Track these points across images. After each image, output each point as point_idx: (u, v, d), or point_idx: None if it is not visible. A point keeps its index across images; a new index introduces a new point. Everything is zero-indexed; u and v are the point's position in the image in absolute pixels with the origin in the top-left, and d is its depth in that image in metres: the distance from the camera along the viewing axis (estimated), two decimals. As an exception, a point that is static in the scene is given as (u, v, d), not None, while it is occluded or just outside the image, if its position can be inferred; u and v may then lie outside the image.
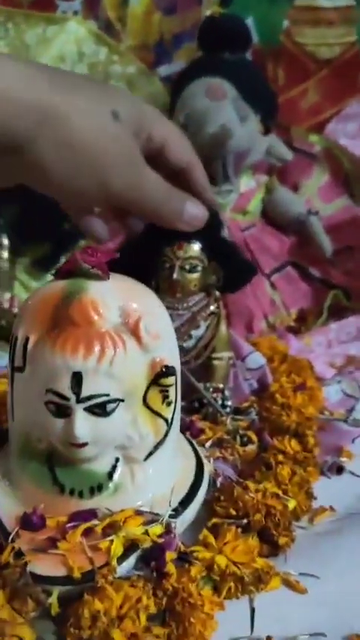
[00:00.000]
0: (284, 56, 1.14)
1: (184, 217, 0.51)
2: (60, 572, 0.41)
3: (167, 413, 0.47)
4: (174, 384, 0.47)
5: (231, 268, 0.69)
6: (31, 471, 0.46)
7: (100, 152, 0.43)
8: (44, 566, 0.41)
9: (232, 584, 0.44)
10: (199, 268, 0.68)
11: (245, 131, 0.99)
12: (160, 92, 1.15)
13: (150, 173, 0.48)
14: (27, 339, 0.44)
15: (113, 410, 0.44)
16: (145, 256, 0.67)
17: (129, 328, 0.44)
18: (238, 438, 0.64)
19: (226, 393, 0.70)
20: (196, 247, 0.68)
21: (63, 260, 1.05)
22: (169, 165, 0.51)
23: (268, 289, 1.04)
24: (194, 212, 0.52)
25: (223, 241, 0.70)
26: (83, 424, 0.43)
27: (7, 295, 0.99)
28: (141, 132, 0.46)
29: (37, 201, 0.97)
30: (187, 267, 0.68)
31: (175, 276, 0.67)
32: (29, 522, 0.44)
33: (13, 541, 0.43)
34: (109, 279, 0.46)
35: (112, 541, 0.42)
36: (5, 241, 0.99)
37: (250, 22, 1.12)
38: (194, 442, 0.56)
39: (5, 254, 1.00)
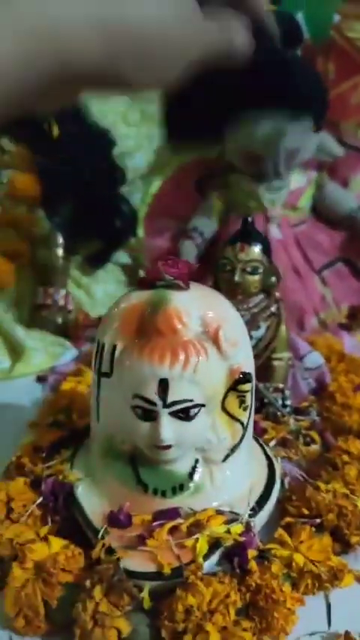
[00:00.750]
0: (334, 51, 1.14)
1: None
2: (150, 568, 0.44)
3: (243, 417, 0.49)
4: (250, 390, 0.49)
5: None
6: (116, 470, 0.49)
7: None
8: (135, 562, 0.44)
9: (309, 580, 0.46)
10: (260, 270, 0.69)
11: (297, 129, 0.99)
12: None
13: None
14: (114, 347, 0.47)
15: (196, 414, 0.46)
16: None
17: (209, 337, 0.46)
18: (300, 437, 0.66)
19: (287, 392, 0.72)
20: (257, 250, 0.70)
21: (114, 257, 1.09)
22: None
23: (318, 285, 1.04)
24: None
25: None
26: (168, 428, 0.45)
27: (63, 292, 1.01)
28: None
29: (91, 200, 1.01)
30: (249, 269, 0.69)
31: (236, 278, 0.69)
32: (117, 520, 0.46)
33: (102, 538, 0.45)
34: (189, 288, 0.48)
35: (197, 539, 0.44)
36: (60, 239, 1.02)
37: (300, 17, 1.12)
38: (264, 443, 0.58)
39: (60, 251, 1.02)
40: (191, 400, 0.45)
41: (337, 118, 1.13)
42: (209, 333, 0.46)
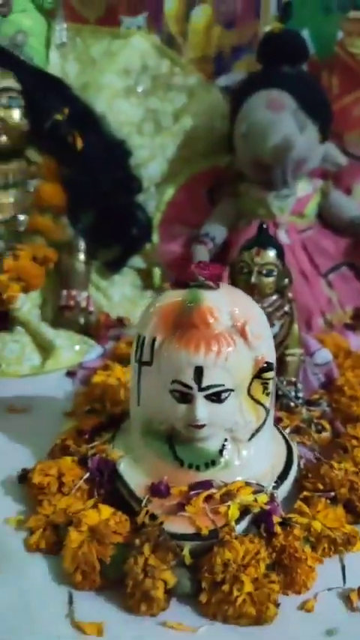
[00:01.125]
0: (338, 66, 1.20)
1: None
2: (189, 530, 0.50)
3: (266, 402, 0.56)
4: (273, 378, 0.55)
5: None
6: (154, 448, 0.55)
7: None
8: (175, 525, 0.50)
9: (326, 544, 0.53)
10: (275, 273, 0.76)
11: (304, 141, 1.06)
12: (219, 101, 1.22)
13: None
14: (154, 339, 0.53)
15: (226, 398, 0.53)
16: None
17: (238, 330, 0.53)
18: (312, 426, 0.72)
19: (299, 385, 0.78)
20: (272, 253, 0.76)
21: (130, 262, 1.15)
22: None
23: (324, 288, 1.10)
24: None
25: None
26: (203, 409, 0.52)
27: (84, 294, 1.07)
28: None
29: (110, 208, 1.07)
30: (264, 272, 0.75)
31: (253, 280, 0.75)
32: (158, 490, 0.53)
33: (146, 505, 0.52)
34: (219, 288, 0.55)
35: (229, 506, 0.51)
36: (82, 245, 1.08)
37: (306, 34, 1.19)
38: (281, 429, 0.65)
39: (82, 256, 1.08)
40: (222, 385, 0.52)
41: (340, 130, 1.19)
42: (237, 327, 0.53)
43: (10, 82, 0.98)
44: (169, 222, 1.19)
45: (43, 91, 1.00)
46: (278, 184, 1.09)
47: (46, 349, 0.95)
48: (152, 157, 1.18)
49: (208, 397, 0.52)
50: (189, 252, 1.14)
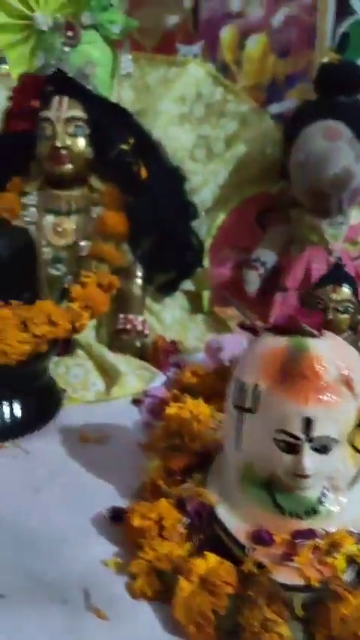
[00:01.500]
0: (392, 94, 1.21)
1: None
2: (299, 581, 0.50)
3: (365, 449, 0.56)
4: (375, 426, 0.56)
5: None
6: (253, 494, 0.56)
7: None
8: (283, 576, 0.50)
9: None
10: (351, 309, 0.77)
11: (360, 170, 1.06)
12: (271, 128, 1.23)
13: None
14: (256, 386, 0.54)
15: (332, 448, 0.53)
16: None
17: (343, 380, 0.53)
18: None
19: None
20: (347, 290, 0.77)
21: (182, 286, 1.16)
22: None
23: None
24: None
25: None
26: (310, 460, 0.52)
27: (140, 318, 1.08)
28: None
29: (167, 234, 1.08)
30: (341, 308, 0.76)
31: (329, 316, 0.76)
32: (261, 538, 0.53)
33: (251, 554, 0.52)
34: (322, 336, 0.55)
35: (335, 557, 0.51)
36: (139, 270, 1.09)
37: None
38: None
39: (139, 281, 1.09)
40: (330, 436, 0.52)
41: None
42: (343, 376, 0.53)
43: (77, 112, 1.00)
44: (219, 246, 1.20)
45: (108, 120, 1.02)
46: (334, 212, 1.09)
47: (108, 374, 0.96)
48: (204, 182, 1.19)
49: (315, 448, 0.52)
50: (239, 275, 1.15)
